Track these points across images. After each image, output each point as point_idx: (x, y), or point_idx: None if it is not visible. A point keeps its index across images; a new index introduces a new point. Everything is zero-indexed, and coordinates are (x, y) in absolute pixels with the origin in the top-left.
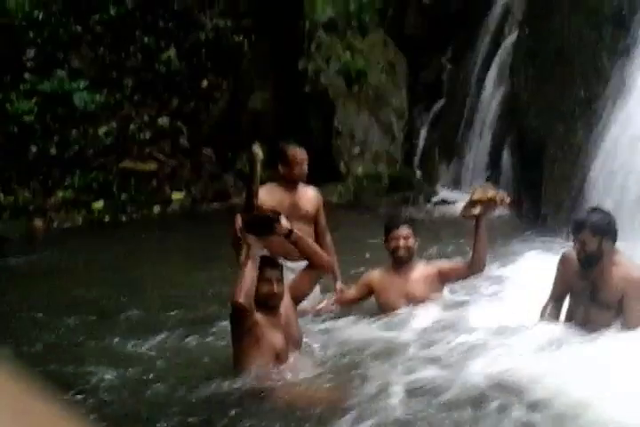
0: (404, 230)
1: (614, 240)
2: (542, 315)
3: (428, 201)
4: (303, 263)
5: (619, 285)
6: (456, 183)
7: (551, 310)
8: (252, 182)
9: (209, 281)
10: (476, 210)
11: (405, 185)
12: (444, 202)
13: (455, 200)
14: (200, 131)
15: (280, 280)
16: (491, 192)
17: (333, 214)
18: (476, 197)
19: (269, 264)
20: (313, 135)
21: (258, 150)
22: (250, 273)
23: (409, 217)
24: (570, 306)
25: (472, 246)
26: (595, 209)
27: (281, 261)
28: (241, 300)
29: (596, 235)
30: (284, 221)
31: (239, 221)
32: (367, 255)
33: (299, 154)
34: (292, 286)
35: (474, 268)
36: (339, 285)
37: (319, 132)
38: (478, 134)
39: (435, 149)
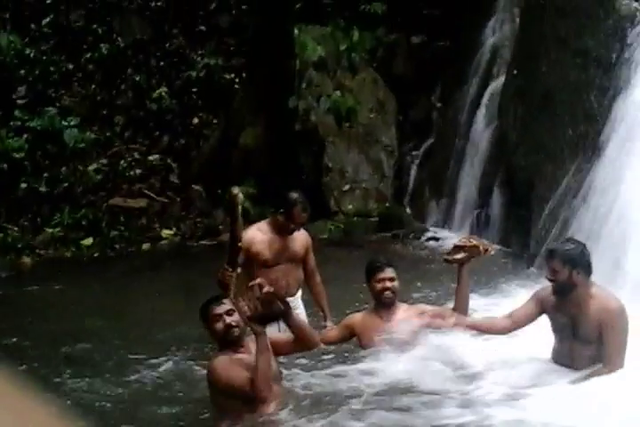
0: (389, 273)
1: (588, 273)
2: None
3: (418, 238)
4: (289, 300)
5: (596, 317)
6: (446, 220)
7: (495, 318)
8: (234, 227)
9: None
10: (460, 255)
11: (395, 222)
12: (434, 239)
13: (445, 237)
14: (190, 168)
15: (230, 311)
16: (475, 241)
17: (323, 252)
18: (460, 242)
19: (213, 303)
20: (303, 172)
21: (237, 191)
22: (265, 363)
23: (390, 260)
24: (555, 345)
25: (455, 293)
26: (569, 239)
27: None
28: (264, 393)
29: (566, 264)
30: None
31: (243, 307)
32: (361, 295)
33: (304, 217)
34: (272, 342)
35: (457, 314)
36: (329, 324)
37: (309, 169)
38: (468, 172)
39: (425, 186)
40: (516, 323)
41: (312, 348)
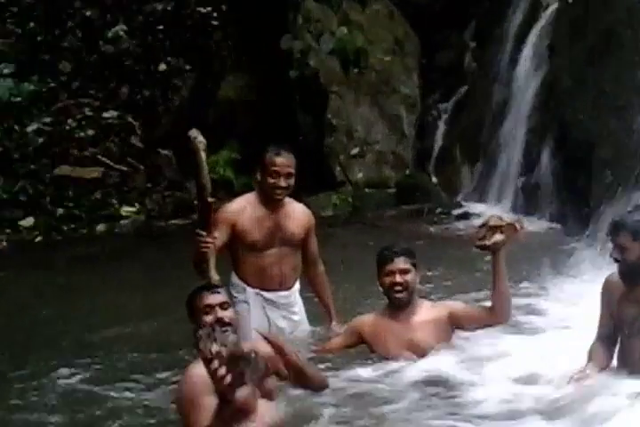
0: (401, 263)
1: None
2: (589, 359)
3: (447, 215)
4: (281, 294)
5: None
6: (482, 192)
7: (599, 351)
8: (199, 179)
9: (166, 326)
10: (494, 238)
11: (418, 195)
12: (467, 216)
13: (481, 213)
14: (157, 127)
15: (225, 304)
16: (508, 218)
17: (327, 233)
18: (492, 222)
19: (205, 290)
20: (301, 132)
21: (197, 134)
22: None
23: (404, 246)
24: (622, 345)
25: (491, 287)
26: (638, 207)
27: (255, 291)
28: None
29: (637, 239)
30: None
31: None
32: (375, 289)
33: (281, 162)
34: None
35: (495, 316)
36: (334, 327)
37: (308, 129)
38: (510, 131)
39: (455, 149)
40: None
41: (318, 390)
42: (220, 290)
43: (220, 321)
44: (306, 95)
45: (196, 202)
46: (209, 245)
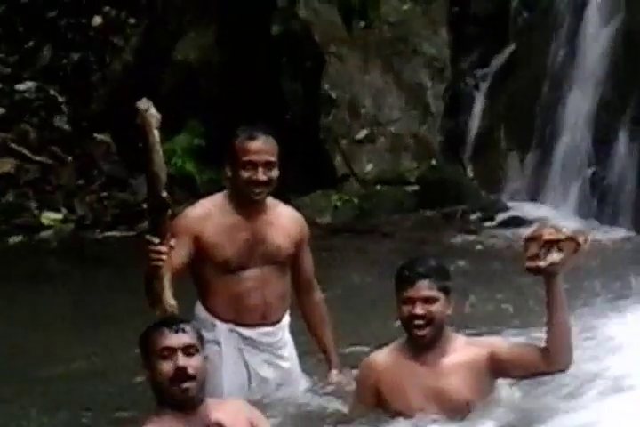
0: (425, 288)
1: None
2: None
3: (489, 220)
4: (264, 330)
5: None
6: (536, 190)
7: None
8: (151, 169)
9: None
10: (550, 257)
11: (448, 193)
12: (515, 222)
13: (536, 218)
14: (90, 104)
15: (191, 347)
16: (568, 229)
17: (325, 246)
18: (547, 236)
19: (166, 326)
20: (288, 109)
21: (148, 106)
22: None
23: (434, 264)
24: None
25: (546, 322)
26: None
27: (229, 326)
28: None
29: None
30: None
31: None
32: (389, 320)
33: (257, 148)
34: None
35: (550, 361)
36: (335, 376)
37: (298, 104)
38: (574, 105)
39: (499, 130)
40: None
41: None
42: (186, 327)
43: (180, 372)
44: (294, 58)
45: (145, 203)
46: (163, 256)
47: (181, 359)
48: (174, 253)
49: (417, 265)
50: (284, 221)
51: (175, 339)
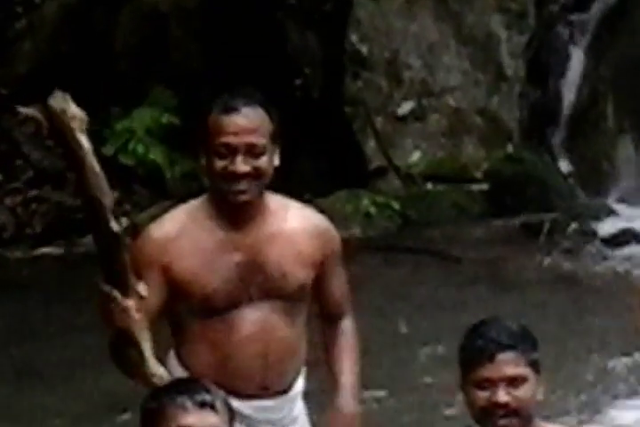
0: (510, 365)
1: None
2: None
3: (591, 234)
4: (263, 404)
5: None
6: None
7: None
8: (88, 193)
9: None
10: None
11: (532, 195)
12: (629, 237)
13: None
14: (11, 63)
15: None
16: None
17: (354, 268)
18: None
19: (179, 394)
20: (298, 70)
21: (66, 103)
22: None
23: (519, 328)
24: None
25: None
26: None
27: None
28: None
29: None
30: None
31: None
32: (447, 378)
33: (235, 124)
34: None
35: None
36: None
37: (312, 63)
38: None
39: (605, 103)
40: None
41: None
42: (215, 401)
43: None
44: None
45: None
46: (133, 314)
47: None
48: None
49: (494, 330)
50: (293, 233)
51: (199, 418)
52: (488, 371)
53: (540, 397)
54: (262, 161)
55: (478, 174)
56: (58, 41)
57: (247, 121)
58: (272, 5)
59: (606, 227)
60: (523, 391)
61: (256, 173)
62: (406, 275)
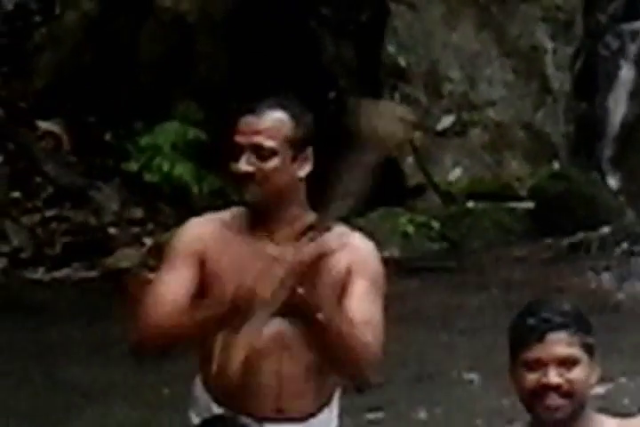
0: (562, 344)
1: None
2: None
3: None
4: None
5: None
6: None
7: None
8: None
9: None
10: None
11: (580, 213)
12: None
13: None
14: (30, 76)
15: None
16: None
17: (393, 293)
18: None
19: None
20: (332, 82)
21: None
22: None
23: (571, 309)
24: None
25: None
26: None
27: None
28: None
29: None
30: None
31: None
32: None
33: (248, 123)
34: None
35: None
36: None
37: (347, 74)
38: None
39: None
40: None
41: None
42: None
43: None
44: (342, 7)
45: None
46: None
47: None
48: (173, 283)
49: (546, 310)
50: (329, 255)
51: None
52: (538, 351)
53: (593, 382)
54: (269, 164)
55: (522, 192)
56: (79, 53)
57: (258, 121)
58: (305, 15)
59: None
60: (575, 374)
61: (261, 176)
62: (445, 299)
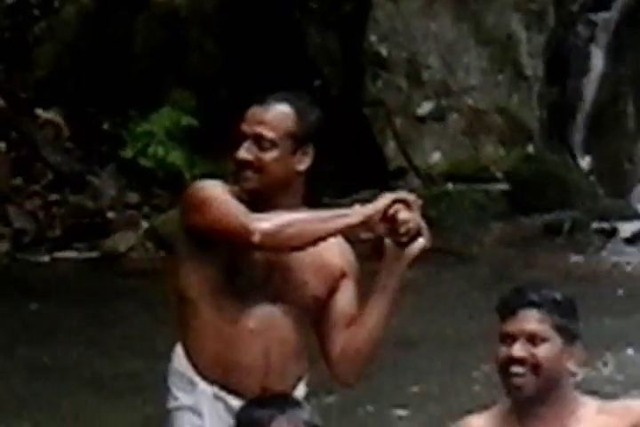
0: (531, 321)
1: None
2: None
3: (613, 234)
4: None
5: None
6: None
7: None
8: None
9: None
10: None
11: (552, 194)
12: None
13: None
14: (31, 67)
15: None
16: None
17: (369, 273)
18: None
19: None
20: (317, 71)
21: None
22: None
23: (555, 294)
24: None
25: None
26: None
27: (214, 390)
28: None
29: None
30: None
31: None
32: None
33: (251, 114)
34: None
35: None
36: None
37: (332, 63)
38: None
39: (626, 101)
40: None
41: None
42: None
43: None
44: None
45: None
46: None
47: None
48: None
49: (526, 290)
50: (322, 246)
51: None
52: (509, 325)
53: (572, 369)
54: (268, 155)
55: (498, 174)
56: (77, 45)
57: (263, 112)
58: (291, 7)
59: (627, 226)
60: (542, 350)
61: (258, 165)
62: (425, 275)
